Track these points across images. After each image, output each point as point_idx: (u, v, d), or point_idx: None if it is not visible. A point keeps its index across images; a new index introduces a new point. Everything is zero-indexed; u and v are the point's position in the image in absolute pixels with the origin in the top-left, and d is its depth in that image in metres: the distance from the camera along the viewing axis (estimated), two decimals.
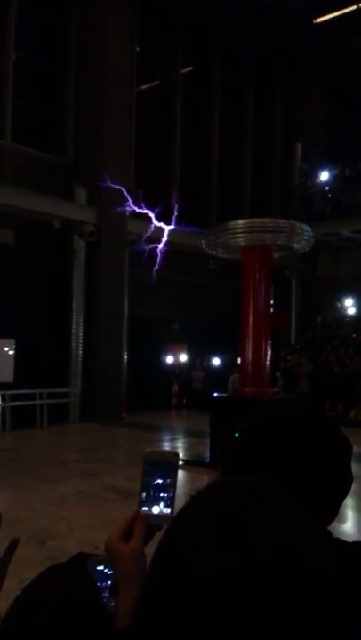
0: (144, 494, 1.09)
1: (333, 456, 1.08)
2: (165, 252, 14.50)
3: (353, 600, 0.84)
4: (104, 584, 1.10)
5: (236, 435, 1.18)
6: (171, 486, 1.09)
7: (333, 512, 1.09)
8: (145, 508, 1.08)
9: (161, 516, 1.08)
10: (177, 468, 1.11)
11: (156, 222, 14.63)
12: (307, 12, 20.07)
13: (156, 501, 1.08)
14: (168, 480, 1.09)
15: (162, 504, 1.08)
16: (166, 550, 0.65)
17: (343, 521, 7.19)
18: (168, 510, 1.08)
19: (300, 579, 0.58)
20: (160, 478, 1.09)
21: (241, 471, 1.08)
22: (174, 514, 0.81)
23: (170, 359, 20.43)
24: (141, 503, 1.09)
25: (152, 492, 1.09)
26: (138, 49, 17.96)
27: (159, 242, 14.16)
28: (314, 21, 20.49)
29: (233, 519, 0.62)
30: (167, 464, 1.10)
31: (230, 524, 0.61)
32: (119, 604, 1.01)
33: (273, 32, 20.85)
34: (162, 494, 1.09)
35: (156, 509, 1.08)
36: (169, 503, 1.08)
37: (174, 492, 1.09)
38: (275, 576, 0.57)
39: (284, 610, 0.56)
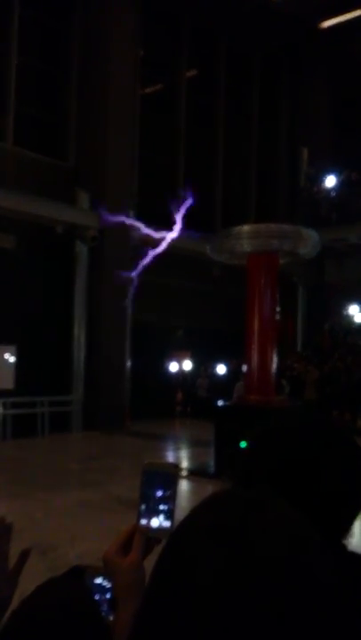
0: (143, 506, 1.07)
1: (350, 466, 1.07)
2: (169, 259, 14.50)
3: (356, 611, 0.85)
4: (102, 597, 1.09)
5: (245, 445, 1.17)
6: (170, 498, 1.07)
7: (348, 525, 1.08)
8: (144, 521, 1.07)
9: (160, 529, 1.06)
10: (177, 479, 1.09)
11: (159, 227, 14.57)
12: (313, 17, 20.26)
13: (156, 514, 1.07)
14: (168, 492, 1.08)
15: (161, 516, 1.07)
16: (168, 562, 0.66)
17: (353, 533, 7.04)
18: (168, 523, 1.07)
19: (300, 592, 0.58)
20: (160, 490, 1.08)
21: (253, 483, 1.06)
22: (174, 526, 0.80)
23: (174, 367, 20.37)
24: (140, 515, 1.07)
25: (151, 505, 1.07)
26: (142, 52, 18.07)
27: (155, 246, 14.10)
28: (320, 26, 20.63)
29: (235, 531, 0.62)
30: (167, 475, 1.08)
31: (232, 536, 0.61)
32: (118, 618, 1.01)
33: (279, 36, 20.97)
34: (161, 506, 1.07)
35: (155, 522, 1.07)
36: (169, 516, 1.07)
37: (174, 504, 1.07)
38: (276, 589, 0.58)
39: (285, 622, 0.57)
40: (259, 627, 0.56)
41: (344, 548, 1.08)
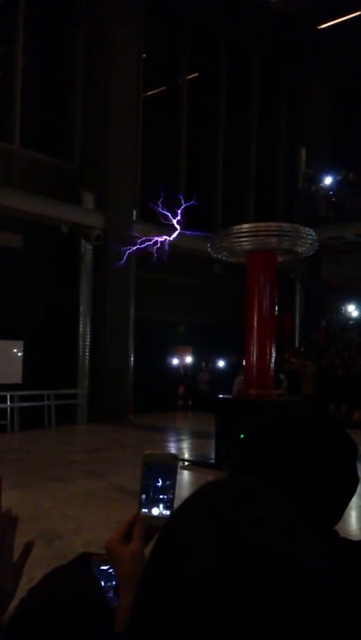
0: (144, 496, 1.08)
1: (341, 457, 1.08)
2: (171, 257, 14.56)
3: (348, 599, 0.85)
4: (108, 584, 1.11)
5: (242, 436, 1.18)
6: (170, 488, 1.08)
7: (340, 512, 1.10)
8: (145, 510, 1.08)
9: (160, 517, 1.07)
10: (176, 469, 1.10)
11: (161, 226, 14.73)
12: (311, 18, 20.09)
13: (156, 503, 1.08)
14: (167, 482, 1.08)
15: (161, 506, 1.08)
16: (160, 550, 0.65)
17: (348, 520, 7.26)
18: (168, 512, 1.08)
19: (288, 580, 0.58)
20: (159, 480, 1.08)
21: (247, 473, 1.08)
22: None
23: (176, 361, 20.51)
24: (141, 505, 1.08)
25: (152, 494, 1.08)
26: (144, 55, 18.08)
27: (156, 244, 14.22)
28: (318, 27, 20.52)
29: (225, 520, 0.61)
30: (166, 466, 1.09)
31: (222, 525, 0.61)
32: (120, 605, 1.01)
33: (278, 37, 20.90)
34: (161, 496, 1.08)
35: (155, 511, 1.08)
36: (168, 505, 1.08)
37: (174, 493, 1.08)
38: (264, 577, 0.57)
39: (273, 611, 0.56)
40: (249, 616, 0.56)
41: (336, 534, 1.09)
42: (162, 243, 15.00)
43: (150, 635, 0.61)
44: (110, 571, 1.13)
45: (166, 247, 14.49)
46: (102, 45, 16.51)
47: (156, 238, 14.59)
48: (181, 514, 0.68)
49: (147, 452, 1.10)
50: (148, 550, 0.83)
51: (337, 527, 1.12)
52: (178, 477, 1.11)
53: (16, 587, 1.08)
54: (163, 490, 1.08)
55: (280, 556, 0.59)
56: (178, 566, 0.60)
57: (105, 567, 1.14)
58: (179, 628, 0.58)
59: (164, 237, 14.60)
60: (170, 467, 1.09)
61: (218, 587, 0.57)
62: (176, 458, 1.12)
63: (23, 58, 15.87)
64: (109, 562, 1.11)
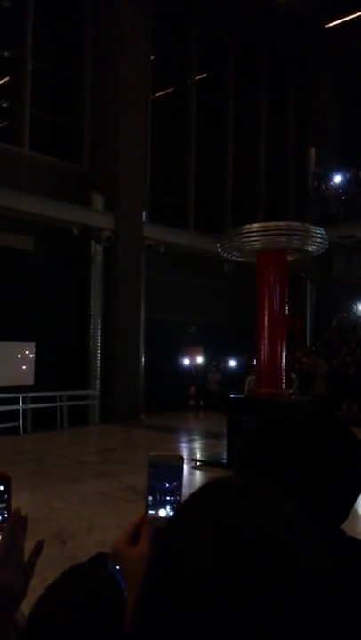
0: (150, 498, 1.08)
1: (344, 456, 1.08)
2: (181, 257, 14.61)
3: (352, 598, 0.83)
4: (123, 583, 1.11)
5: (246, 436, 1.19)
6: (177, 489, 1.09)
7: (346, 511, 1.10)
8: (152, 512, 1.08)
9: (167, 519, 1.05)
10: (182, 471, 1.10)
11: (171, 227, 14.77)
12: (319, 17, 20.07)
13: (163, 505, 1.08)
14: (174, 483, 1.09)
15: (168, 507, 1.08)
16: (160, 551, 0.65)
17: (355, 519, 7.25)
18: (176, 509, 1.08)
19: (288, 577, 0.57)
20: (166, 482, 1.08)
21: (250, 472, 1.09)
22: None
23: (186, 362, 20.56)
24: (148, 507, 1.08)
25: (158, 496, 1.08)
26: (152, 56, 18.14)
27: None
28: (326, 26, 20.49)
29: (223, 518, 0.61)
30: (172, 467, 1.09)
31: (221, 523, 0.60)
32: (128, 607, 1.00)
33: (286, 37, 20.94)
34: (168, 497, 1.08)
35: (162, 512, 1.08)
36: (175, 506, 1.08)
37: (180, 494, 1.08)
38: (263, 575, 0.57)
39: (274, 610, 0.55)
40: (249, 616, 0.55)
41: (342, 532, 1.10)
42: (172, 243, 15.06)
43: (150, 635, 0.60)
44: None
45: (177, 247, 14.52)
46: (110, 47, 16.56)
47: (165, 239, 14.63)
48: (182, 513, 0.69)
49: (153, 453, 1.10)
50: None
51: (349, 528, 1.12)
52: (189, 478, 1.16)
53: (27, 587, 1.07)
54: (169, 491, 1.08)
55: (281, 554, 0.58)
56: (177, 566, 0.60)
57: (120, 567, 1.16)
58: (178, 629, 0.57)
59: (174, 237, 14.66)
60: (176, 468, 1.10)
61: (217, 587, 0.56)
62: (182, 459, 1.12)
63: (32, 61, 15.94)
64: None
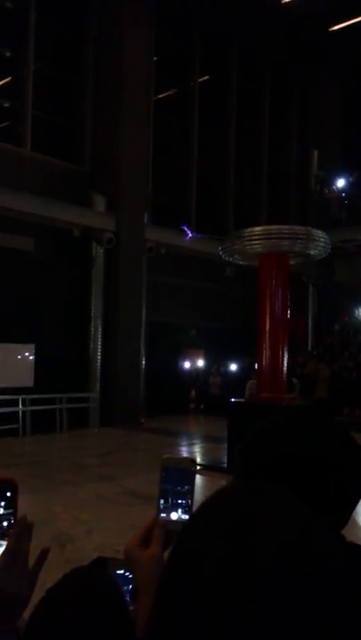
0: (162, 501, 1.09)
1: (345, 460, 1.08)
2: (182, 260, 14.58)
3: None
4: (124, 588, 1.11)
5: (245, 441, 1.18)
6: (188, 493, 1.09)
7: (346, 516, 1.09)
8: (163, 515, 1.08)
9: (179, 522, 1.07)
10: (194, 474, 1.11)
11: (172, 229, 14.74)
12: (323, 20, 20.12)
13: (175, 508, 1.08)
14: (186, 487, 1.09)
15: (180, 510, 1.08)
16: (176, 557, 0.65)
17: (354, 524, 7.20)
18: (186, 517, 1.08)
19: (308, 577, 0.57)
20: (178, 485, 1.09)
21: (252, 476, 1.08)
22: None
23: (187, 365, 20.54)
24: (160, 510, 1.08)
25: (170, 499, 1.09)
26: (155, 58, 18.14)
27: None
28: (330, 29, 20.53)
29: (241, 521, 0.61)
30: (184, 471, 1.10)
31: (239, 526, 0.61)
32: (139, 609, 1.01)
33: (289, 39, 20.96)
34: (180, 501, 1.09)
35: (174, 515, 1.08)
36: (187, 509, 1.08)
37: (192, 498, 1.08)
38: (283, 575, 0.57)
39: (293, 608, 0.55)
40: (266, 612, 0.55)
41: (343, 538, 1.09)
42: (173, 245, 15.05)
43: (167, 636, 0.60)
44: (127, 575, 1.14)
45: (178, 249, 14.49)
46: (113, 48, 16.57)
47: (167, 241, 14.61)
48: (198, 517, 0.68)
49: (165, 456, 1.10)
50: (167, 555, 0.84)
51: (348, 533, 1.11)
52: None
53: (31, 593, 1.08)
54: (181, 494, 1.09)
55: (298, 552, 0.58)
56: (193, 570, 0.60)
57: (121, 571, 1.15)
58: (193, 631, 0.57)
59: (176, 240, 14.63)
60: (188, 471, 1.10)
61: (235, 585, 0.57)
62: (194, 462, 1.12)
63: (34, 61, 15.93)
64: (125, 566, 1.12)
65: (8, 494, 1.11)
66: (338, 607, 0.58)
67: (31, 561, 1.10)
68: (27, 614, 1.04)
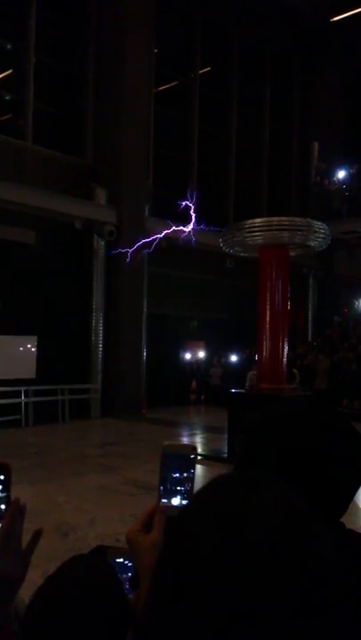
0: (162, 487, 1.09)
1: (345, 449, 1.08)
2: (183, 252, 14.56)
3: (355, 587, 0.85)
4: (124, 576, 1.13)
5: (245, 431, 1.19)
6: (188, 479, 1.10)
7: (345, 504, 1.10)
8: (164, 501, 1.09)
9: (180, 507, 1.07)
10: (195, 461, 1.11)
11: (173, 221, 14.74)
12: (324, 11, 20.04)
13: (175, 494, 1.09)
14: (185, 473, 1.10)
15: (180, 497, 1.09)
16: (171, 543, 0.66)
17: (353, 513, 7.27)
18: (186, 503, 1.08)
19: (298, 562, 0.58)
20: (178, 472, 1.09)
21: (253, 466, 1.09)
22: None
23: (188, 356, 20.60)
24: (160, 496, 1.09)
25: (170, 485, 1.09)
26: (156, 50, 18.08)
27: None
28: (331, 20, 20.45)
29: (233, 508, 0.62)
30: (185, 457, 1.10)
31: (231, 513, 0.62)
32: (140, 596, 1.01)
33: (290, 31, 20.89)
34: (180, 487, 1.09)
35: (175, 501, 1.08)
36: (187, 496, 1.09)
37: (192, 484, 1.09)
38: (275, 560, 0.58)
39: (282, 594, 0.56)
40: (257, 598, 0.56)
41: (343, 526, 1.10)
42: (174, 238, 15.02)
43: (164, 625, 0.61)
44: (126, 563, 1.15)
45: (179, 242, 14.48)
46: (114, 41, 16.51)
47: (167, 233, 14.60)
48: (191, 506, 0.70)
49: (165, 442, 1.10)
50: None
51: (348, 521, 1.12)
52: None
53: (24, 574, 1.10)
54: (181, 481, 1.09)
55: (289, 538, 0.59)
56: (187, 556, 0.61)
57: (120, 560, 1.16)
58: (188, 615, 0.58)
59: (176, 232, 14.62)
60: (188, 458, 1.10)
61: (228, 571, 0.57)
62: (194, 449, 1.12)
63: (35, 54, 15.88)
64: (125, 555, 1.14)
65: (1, 477, 1.12)
66: (325, 593, 0.58)
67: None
68: (26, 598, 1.07)
